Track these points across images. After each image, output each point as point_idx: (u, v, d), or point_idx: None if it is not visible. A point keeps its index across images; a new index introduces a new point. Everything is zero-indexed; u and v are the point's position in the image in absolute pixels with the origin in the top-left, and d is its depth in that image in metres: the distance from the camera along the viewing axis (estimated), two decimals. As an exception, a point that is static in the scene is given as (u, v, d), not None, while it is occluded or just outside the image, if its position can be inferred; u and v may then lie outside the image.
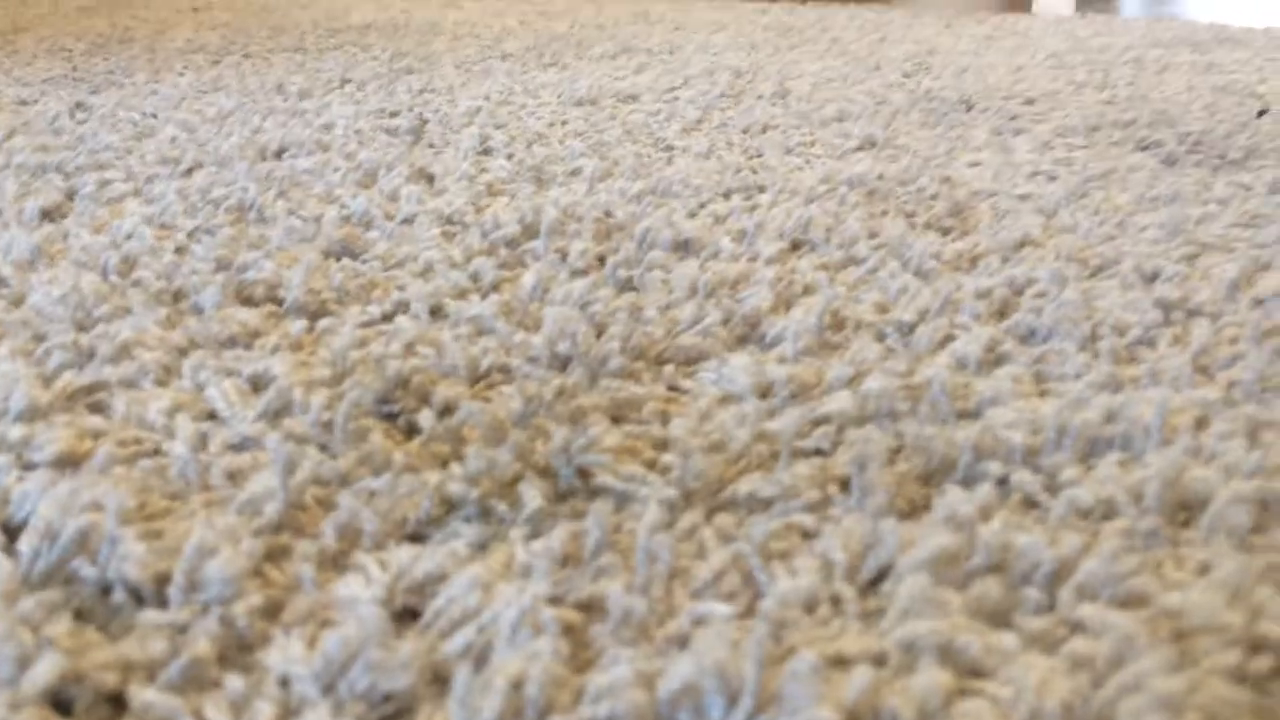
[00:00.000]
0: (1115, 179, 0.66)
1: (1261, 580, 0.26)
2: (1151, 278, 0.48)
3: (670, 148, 0.75)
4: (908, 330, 0.42)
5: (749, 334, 0.42)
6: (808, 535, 0.29)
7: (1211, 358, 0.40)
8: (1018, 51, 1.26)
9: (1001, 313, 0.44)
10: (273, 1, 1.68)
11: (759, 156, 0.72)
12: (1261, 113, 0.87)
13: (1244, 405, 0.35)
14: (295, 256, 0.49)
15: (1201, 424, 0.34)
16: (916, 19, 1.68)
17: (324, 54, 1.16)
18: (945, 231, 0.55)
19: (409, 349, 0.39)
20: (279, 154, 0.70)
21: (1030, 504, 0.30)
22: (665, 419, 0.35)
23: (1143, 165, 0.69)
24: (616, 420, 0.35)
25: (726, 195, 0.62)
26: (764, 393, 0.37)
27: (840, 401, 0.35)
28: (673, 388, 0.38)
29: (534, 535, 0.29)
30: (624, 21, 1.54)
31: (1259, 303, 0.45)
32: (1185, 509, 0.30)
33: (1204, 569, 0.27)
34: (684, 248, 0.52)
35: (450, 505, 0.30)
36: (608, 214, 0.57)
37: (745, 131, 0.80)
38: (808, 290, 0.46)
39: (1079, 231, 0.55)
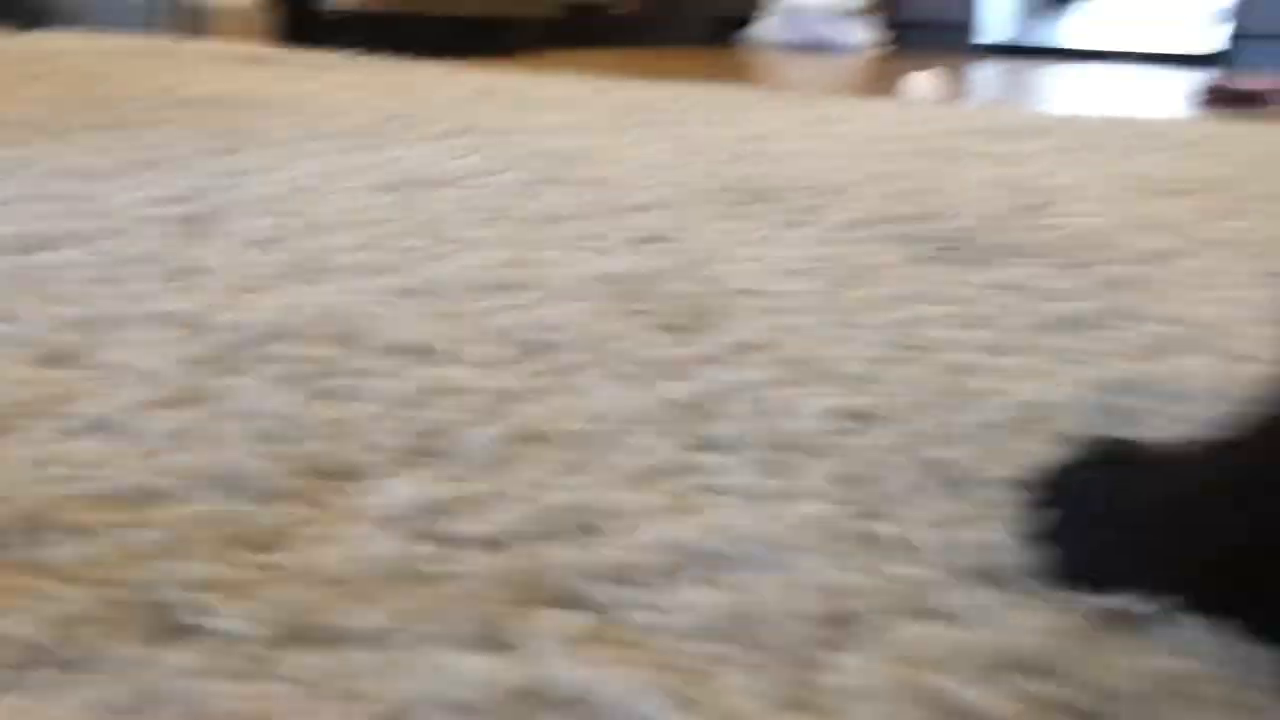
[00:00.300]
0: (869, 276, 0.69)
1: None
2: (844, 379, 0.50)
3: (458, 240, 0.76)
4: (581, 443, 0.43)
5: (429, 448, 0.42)
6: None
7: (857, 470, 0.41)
8: (839, 139, 1.31)
9: (686, 419, 0.45)
10: (115, 70, 1.66)
11: (540, 251, 0.73)
12: (1035, 207, 0.91)
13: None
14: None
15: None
16: (764, 101, 1.73)
17: (143, 131, 1.14)
18: (678, 332, 0.57)
19: (40, 466, 0.39)
20: (35, 248, 0.68)
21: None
22: (292, 543, 0.35)
23: (900, 262, 0.72)
24: (237, 547, 0.35)
25: (486, 293, 0.63)
26: (425, 512, 0.37)
27: (496, 522, 0.36)
28: (322, 506, 0.38)
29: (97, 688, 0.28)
30: (466, 99, 1.55)
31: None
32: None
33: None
34: (411, 352, 0.53)
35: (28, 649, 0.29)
36: (348, 315, 0.57)
37: (541, 222, 0.82)
38: (508, 398, 0.47)
39: (804, 333, 0.57)
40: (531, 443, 0.43)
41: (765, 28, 4.52)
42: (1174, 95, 2.50)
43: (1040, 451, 0.40)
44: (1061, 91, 2.68)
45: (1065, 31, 4.33)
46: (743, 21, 4.63)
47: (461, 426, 0.44)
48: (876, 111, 1.66)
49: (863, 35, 4.40)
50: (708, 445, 0.43)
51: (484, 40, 3.02)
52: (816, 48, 4.36)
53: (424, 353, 0.52)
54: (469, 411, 0.45)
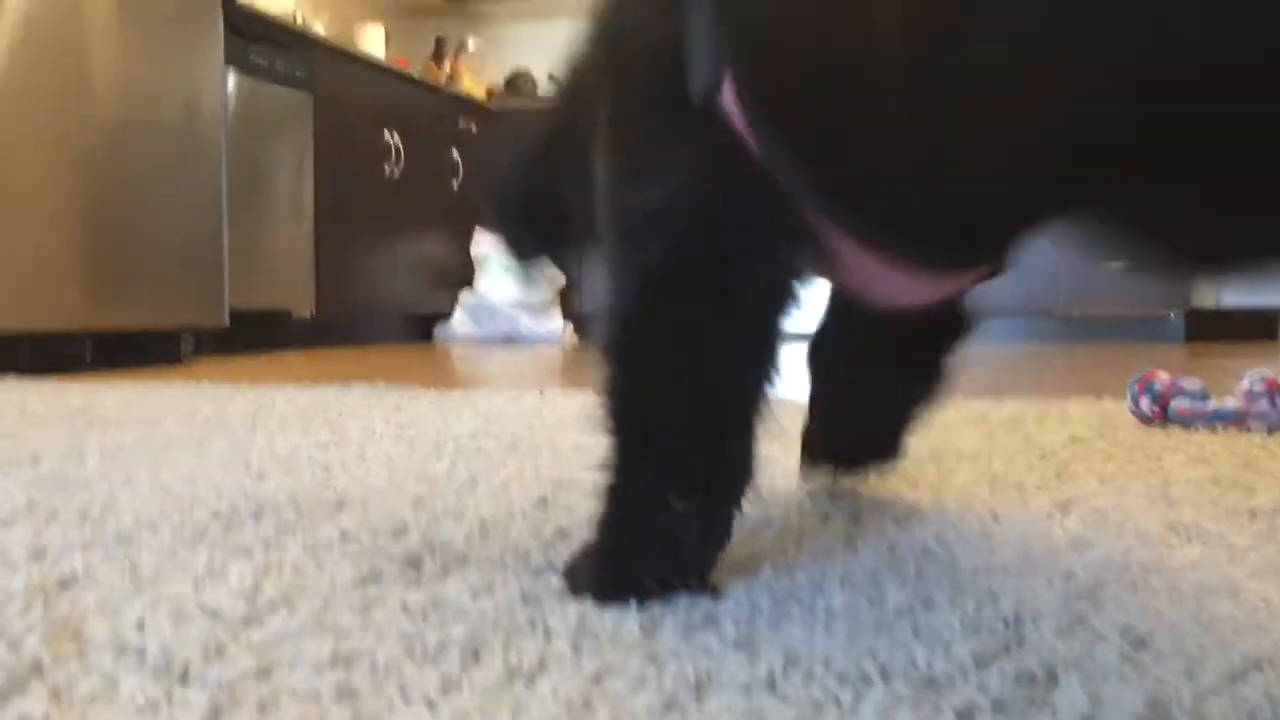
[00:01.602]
0: (304, 605, 0.60)
1: None
2: None
3: None
4: None
5: None
6: None
7: None
8: (416, 441, 1.26)
9: None
10: None
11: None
12: (540, 505, 0.87)
13: None
14: None
15: None
16: (381, 399, 1.68)
17: None
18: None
19: None
20: None
21: None
22: None
23: (347, 582, 0.64)
24: None
25: None
26: None
27: None
28: None
29: None
30: (41, 421, 1.41)
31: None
32: None
33: None
34: None
35: None
36: None
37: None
38: None
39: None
40: None
41: (457, 323, 4.60)
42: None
43: None
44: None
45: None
46: (436, 318, 4.71)
47: None
48: (467, 403, 1.64)
49: (551, 326, 4.56)
50: None
51: (147, 353, 2.89)
52: (508, 340, 4.47)
53: None
54: None
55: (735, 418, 0.61)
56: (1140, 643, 0.54)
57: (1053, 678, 0.49)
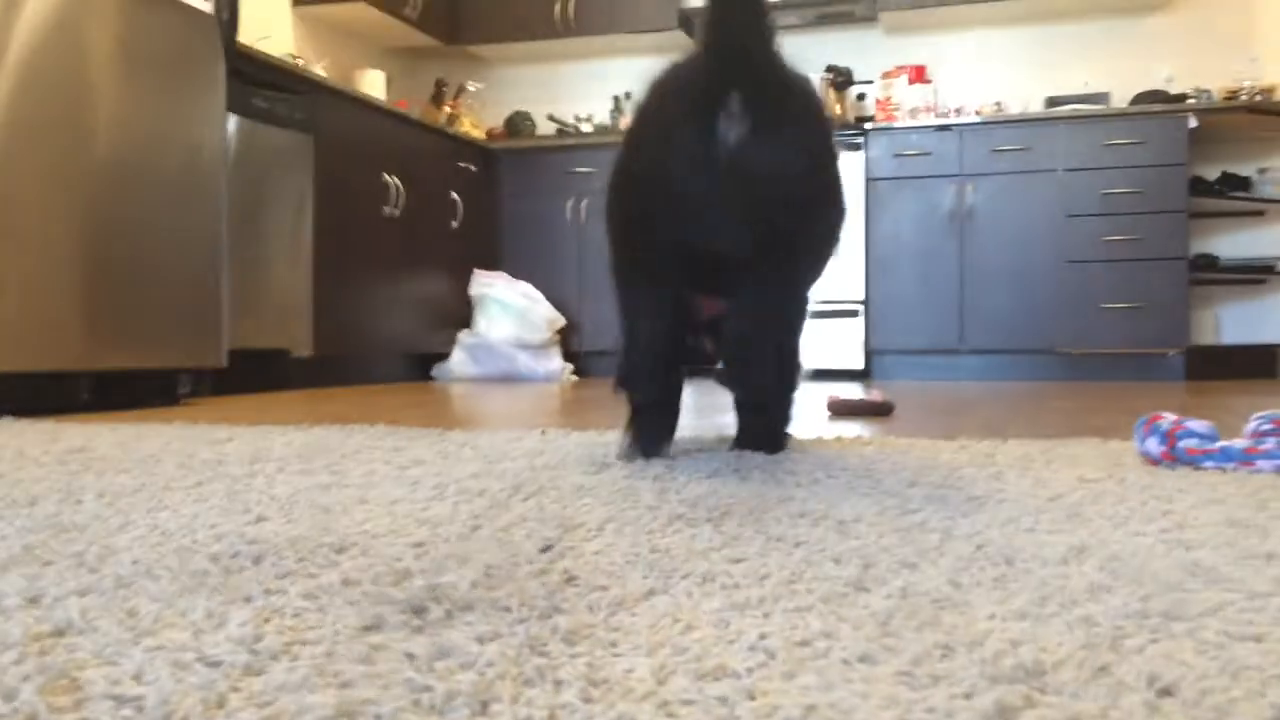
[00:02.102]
0: (306, 653, 0.58)
1: None
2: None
3: None
4: None
5: None
6: None
7: None
8: (419, 483, 1.24)
9: None
10: None
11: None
12: (546, 549, 0.86)
13: None
14: None
15: None
16: (377, 441, 1.67)
17: None
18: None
19: None
20: None
21: None
22: None
23: (349, 629, 0.63)
24: None
25: None
26: None
27: None
28: None
29: None
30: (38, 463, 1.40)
31: None
32: None
33: None
34: None
35: None
36: None
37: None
38: None
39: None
40: None
41: (456, 362, 4.59)
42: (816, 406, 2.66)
43: None
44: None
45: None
46: (435, 357, 4.70)
47: None
48: (508, 445, 1.62)
49: (551, 365, 4.55)
50: None
51: (145, 392, 2.88)
52: (506, 379, 4.46)
53: None
54: None
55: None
56: (1166, 692, 0.53)
57: (1079, 729, 0.48)
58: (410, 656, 0.59)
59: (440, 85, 5.36)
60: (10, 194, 2.40)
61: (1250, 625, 0.63)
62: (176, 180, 2.87)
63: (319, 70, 4.31)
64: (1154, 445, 1.37)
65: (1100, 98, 4.91)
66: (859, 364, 4.67)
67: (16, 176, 2.42)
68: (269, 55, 3.66)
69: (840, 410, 2.40)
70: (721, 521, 0.98)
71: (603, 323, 4.95)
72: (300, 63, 4.14)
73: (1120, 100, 4.91)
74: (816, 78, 4.98)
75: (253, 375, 3.61)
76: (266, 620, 0.66)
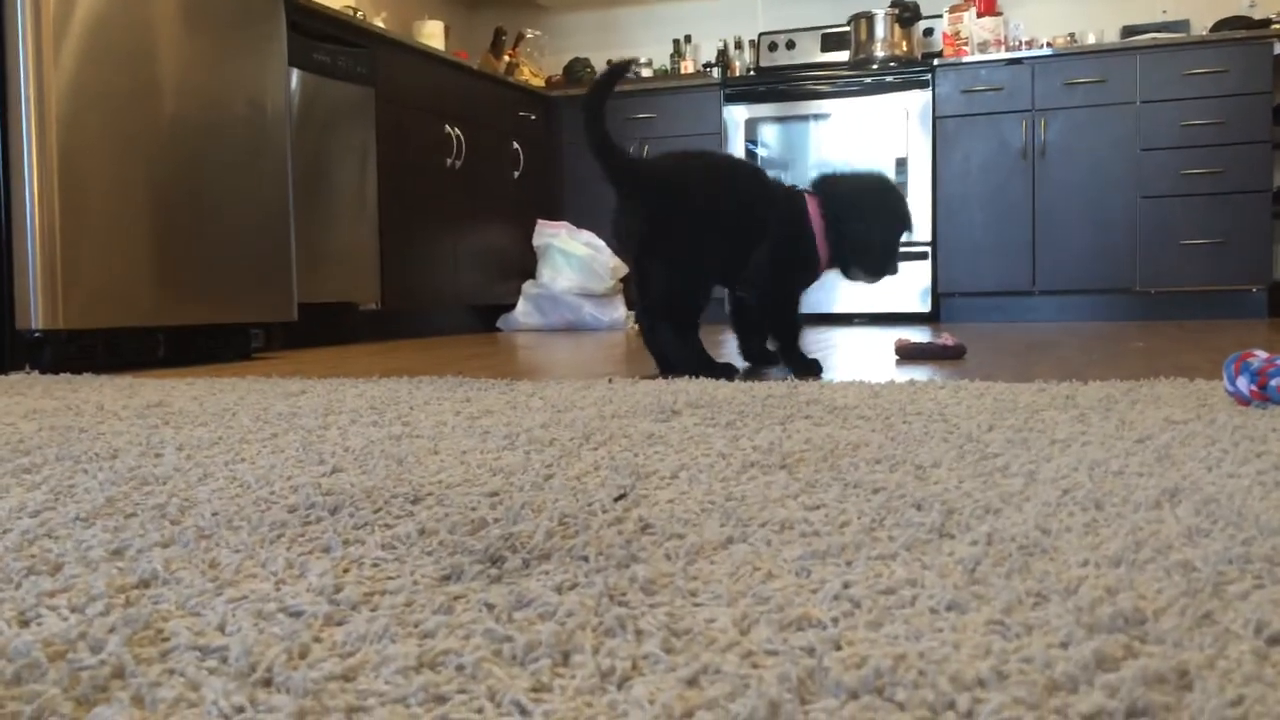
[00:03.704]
0: (386, 603, 0.58)
1: None
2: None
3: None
4: None
5: None
6: None
7: None
8: (489, 433, 1.24)
9: None
10: None
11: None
12: (620, 497, 0.85)
13: None
14: None
15: None
16: (447, 392, 1.67)
17: None
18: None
19: None
20: None
21: None
22: None
23: (428, 579, 0.63)
24: None
25: None
26: None
27: None
28: None
29: None
30: (126, 417, 1.43)
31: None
32: None
33: None
34: None
35: None
36: None
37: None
38: None
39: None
40: None
41: (520, 313, 4.61)
42: (884, 350, 2.61)
43: None
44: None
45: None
46: (499, 308, 4.72)
47: None
48: (562, 396, 1.62)
49: (615, 314, 4.54)
50: None
51: (218, 346, 2.92)
52: (571, 329, 4.46)
53: None
54: None
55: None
56: (1276, 640, 0.50)
57: (1186, 680, 0.46)
58: (489, 606, 0.58)
59: (499, 34, 5.32)
60: (80, 157, 2.44)
61: (1362, 570, 0.60)
62: (242, 137, 2.89)
63: (378, 22, 4.30)
64: (1244, 384, 1.32)
65: (1179, 25, 4.71)
66: (926, 307, 4.59)
67: (86, 139, 2.45)
68: (328, 7, 3.66)
69: (909, 354, 2.36)
70: (796, 468, 0.96)
71: (666, 270, 4.92)
72: (359, 15, 4.13)
73: (1200, 28, 4.71)
74: (881, 13, 4.85)
75: (322, 328, 3.65)
76: (346, 570, 0.66)
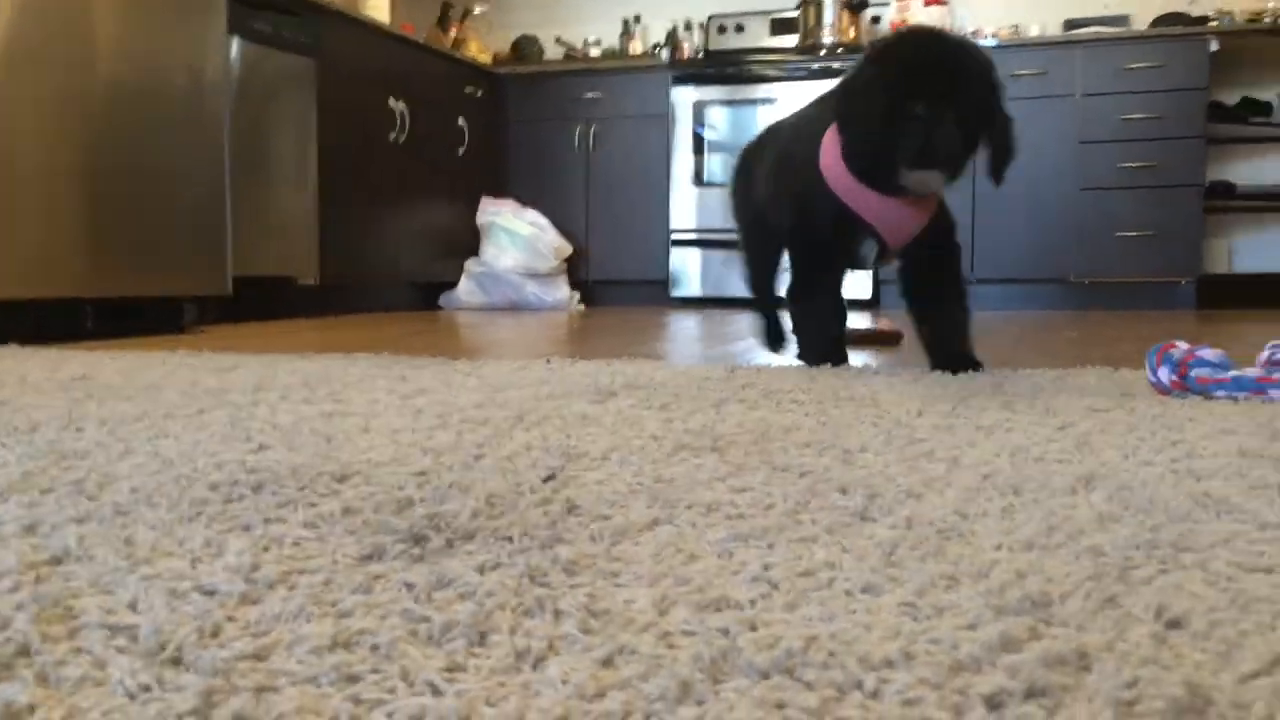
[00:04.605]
0: (304, 582, 0.58)
1: None
2: None
3: None
4: None
5: None
6: None
7: None
8: (422, 412, 1.24)
9: None
10: None
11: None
12: (549, 478, 0.85)
13: None
14: None
15: None
16: (382, 371, 1.66)
17: None
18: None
19: None
20: None
21: None
22: None
23: (349, 559, 0.62)
24: None
25: None
26: None
27: None
28: None
29: None
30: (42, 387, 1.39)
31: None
32: None
33: None
34: None
35: None
36: None
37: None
38: None
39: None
40: None
41: (463, 291, 4.58)
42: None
43: None
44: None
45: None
46: (441, 286, 4.69)
47: None
48: (499, 375, 1.61)
49: (558, 294, 4.53)
50: None
51: (149, 320, 2.87)
52: (514, 308, 4.44)
53: None
54: None
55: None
56: (1175, 624, 0.52)
57: (1085, 661, 0.47)
58: (409, 586, 0.58)
59: (446, 7, 5.26)
60: (11, 122, 2.37)
61: (1261, 557, 0.62)
62: (179, 105, 2.83)
63: (321, -8, 4.22)
64: (1165, 374, 1.36)
65: (1121, 20, 4.79)
66: (866, 294, 4.64)
67: (17, 104, 2.38)
68: (270, -24, 3.58)
69: (847, 339, 2.38)
70: (726, 451, 0.97)
71: (610, 251, 4.92)
72: (302, -16, 4.05)
73: (1141, 22, 4.80)
74: (830, 0, 4.87)
75: (258, 303, 3.60)
76: (265, 549, 0.65)
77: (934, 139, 1.49)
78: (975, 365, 1.64)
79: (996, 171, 1.59)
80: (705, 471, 0.87)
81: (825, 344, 1.74)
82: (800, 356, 1.80)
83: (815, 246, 1.70)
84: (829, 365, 1.71)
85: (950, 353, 1.65)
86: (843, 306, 1.79)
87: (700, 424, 1.11)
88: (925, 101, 1.50)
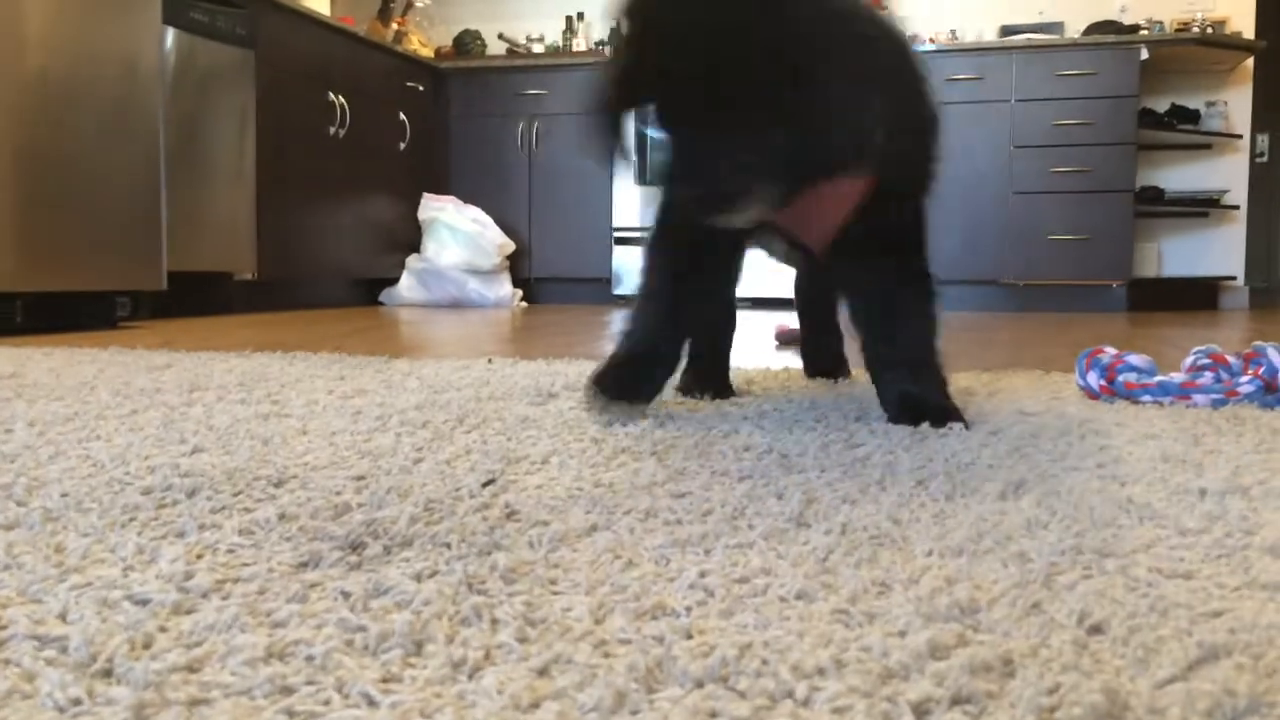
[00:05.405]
0: (239, 591, 0.57)
1: None
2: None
3: None
4: None
5: None
6: None
7: None
8: (361, 413, 1.23)
9: None
10: None
11: None
12: (488, 483, 0.85)
13: None
14: None
15: None
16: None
17: None
18: None
19: None
20: None
21: None
22: None
23: (284, 566, 0.62)
24: None
25: None
26: None
27: None
28: None
29: None
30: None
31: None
32: None
33: None
34: None
35: None
36: None
37: None
38: None
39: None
40: None
41: (404, 287, 4.54)
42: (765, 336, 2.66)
43: None
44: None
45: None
46: (382, 282, 4.64)
47: None
48: (439, 375, 1.61)
49: (500, 291, 4.51)
50: None
51: (82, 315, 2.80)
52: (455, 305, 4.42)
53: None
54: None
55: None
56: (1096, 630, 0.53)
57: (1010, 668, 0.48)
58: (345, 595, 0.58)
59: (387, 1, 5.21)
60: (-67, 108, 2.30)
61: (1180, 562, 0.65)
62: (111, 97, 2.77)
63: (260, -17, 4.15)
64: (1094, 379, 1.39)
65: (1055, 27, 4.89)
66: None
67: (-61, 89, 2.32)
68: (207, -34, 3.52)
69: (788, 340, 2.40)
70: (666, 455, 0.98)
71: (553, 249, 4.91)
72: (240, -26, 3.99)
73: (1074, 30, 4.90)
74: (772, 1, 4.90)
75: (194, 298, 3.54)
76: (199, 557, 0.65)
77: (676, 162, 0.97)
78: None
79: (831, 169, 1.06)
80: (645, 476, 0.88)
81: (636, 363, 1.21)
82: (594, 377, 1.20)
83: (674, 246, 1.22)
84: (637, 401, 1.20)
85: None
86: (728, 315, 1.40)
87: (640, 428, 1.12)
88: (666, 99, 0.99)
